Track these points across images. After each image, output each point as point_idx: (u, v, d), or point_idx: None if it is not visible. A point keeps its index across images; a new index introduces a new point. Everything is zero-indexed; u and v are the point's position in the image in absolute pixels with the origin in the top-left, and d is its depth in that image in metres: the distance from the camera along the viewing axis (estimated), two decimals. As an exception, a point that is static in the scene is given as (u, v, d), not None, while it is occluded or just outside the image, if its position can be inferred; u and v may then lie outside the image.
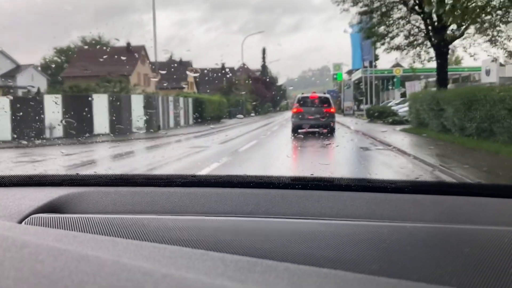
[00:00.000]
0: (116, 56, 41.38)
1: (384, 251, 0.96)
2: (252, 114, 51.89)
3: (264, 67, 72.93)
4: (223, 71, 62.41)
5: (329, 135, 18.36)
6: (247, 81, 53.46)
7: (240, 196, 1.31)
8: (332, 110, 19.71)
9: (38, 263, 0.64)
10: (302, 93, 21.26)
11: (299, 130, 19.71)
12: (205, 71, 65.65)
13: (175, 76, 51.81)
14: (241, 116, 40.70)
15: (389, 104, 32.92)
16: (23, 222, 1.19)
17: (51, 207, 1.29)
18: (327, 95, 21.65)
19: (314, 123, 19.06)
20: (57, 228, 1.16)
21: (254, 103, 56.54)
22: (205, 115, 34.31)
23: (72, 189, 1.40)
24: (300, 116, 19.22)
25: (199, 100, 35.59)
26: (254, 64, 75.96)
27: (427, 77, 45.61)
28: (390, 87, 45.16)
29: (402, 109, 26.00)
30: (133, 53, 43.55)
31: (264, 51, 78.92)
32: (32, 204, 1.27)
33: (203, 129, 25.54)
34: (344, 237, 1.01)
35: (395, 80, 42.58)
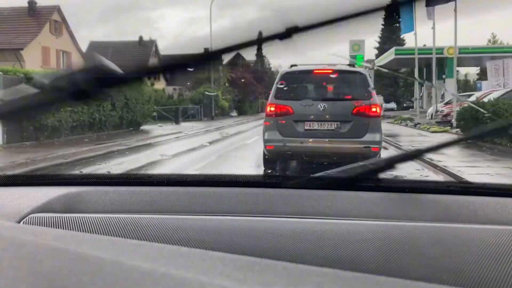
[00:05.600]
0: (9, 23, 27.24)
1: (382, 250, 0.97)
2: (234, 114, 36.41)
3: (259, 55, 57.79)
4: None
5: None
6: (220, 67, 36.96)
7: (239, 195, 1.32)
8: (375, 109, 7.42)
9: (36, 262, 0.64)
10: (292, 66, 8.18)
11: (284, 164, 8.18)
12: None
13: (132, 60, 37.06)
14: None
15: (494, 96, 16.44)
16: (22, 222, 1.19)
17: (49, 207, 1.28)
18: (361, 70, 8.50)
19: (325, 149, 7.18)
20: (56, 227, 1.15)
21: (238, 98, 41.46)
22: (47, 121, 13.70)
23: (71, 188, 1.40)
24: (286, 128, 7.44)
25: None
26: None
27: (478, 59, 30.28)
28: (440, 75, 30.19)
29: None
30: (37, 17, 28.46)
31: (260, 35, 63.83)
32: (30, 203, 1.27)
33: None
34: (343, 236, 1.02)
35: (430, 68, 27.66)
